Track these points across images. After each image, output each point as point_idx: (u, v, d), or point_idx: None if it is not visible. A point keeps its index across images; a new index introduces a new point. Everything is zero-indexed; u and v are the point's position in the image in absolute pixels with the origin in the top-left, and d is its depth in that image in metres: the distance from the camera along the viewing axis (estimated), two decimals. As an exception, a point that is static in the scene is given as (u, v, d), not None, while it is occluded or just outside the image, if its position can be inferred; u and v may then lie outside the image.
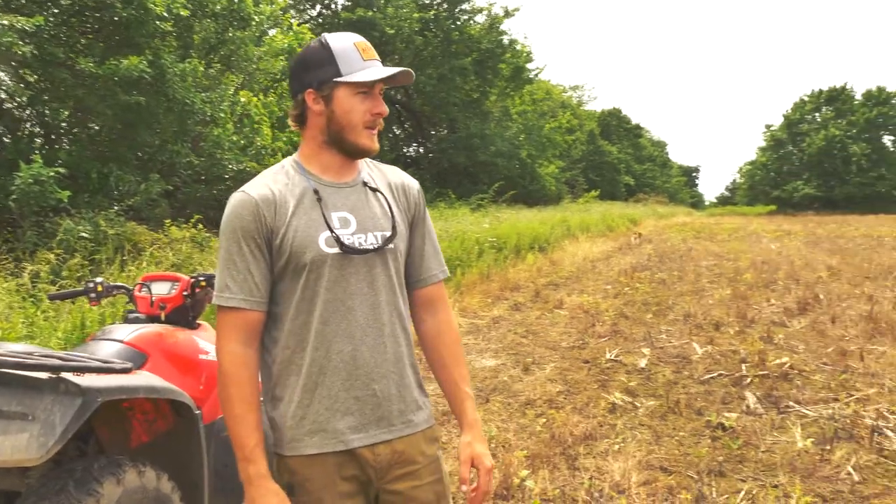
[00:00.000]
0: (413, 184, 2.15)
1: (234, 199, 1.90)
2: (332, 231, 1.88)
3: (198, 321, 3.37)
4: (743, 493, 4.21)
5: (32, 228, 8.41)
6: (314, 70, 1.90)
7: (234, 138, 12.36)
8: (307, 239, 1.87)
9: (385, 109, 1.94)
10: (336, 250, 1.88)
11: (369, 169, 2.09)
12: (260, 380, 1.95)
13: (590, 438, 5.12)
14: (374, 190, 2.02)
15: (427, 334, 2.14)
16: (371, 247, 1.93)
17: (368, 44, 1.94)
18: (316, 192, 1.92)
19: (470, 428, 2.05)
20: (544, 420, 5.53)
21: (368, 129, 1.92)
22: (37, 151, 9.40)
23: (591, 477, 4.44)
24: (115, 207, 9.61)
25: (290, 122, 2.02)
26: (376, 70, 1.89)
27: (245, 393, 1.83)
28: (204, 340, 3.18)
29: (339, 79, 1.87)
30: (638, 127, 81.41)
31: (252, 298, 1.86)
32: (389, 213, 2.00)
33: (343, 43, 1.90)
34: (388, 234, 1.97)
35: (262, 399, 1.94)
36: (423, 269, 2.13)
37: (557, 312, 10.21)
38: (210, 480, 2.85)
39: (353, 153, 1.96)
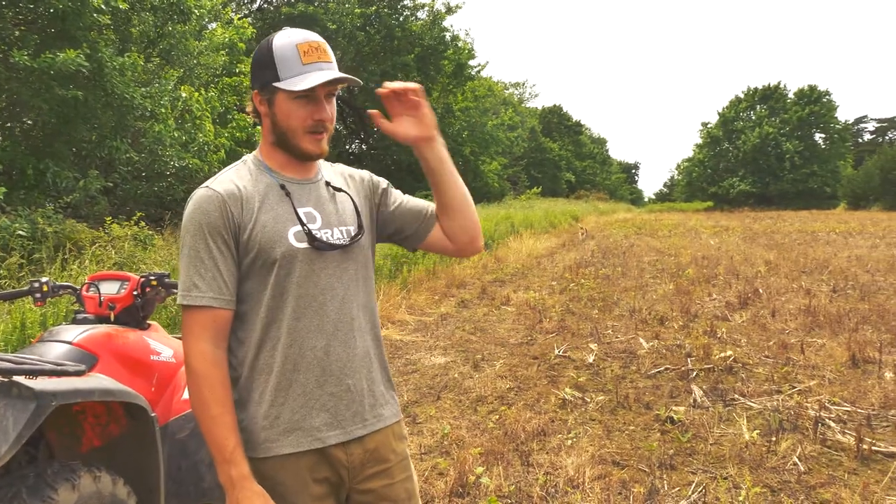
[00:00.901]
0: (365, 173, 2.14)
1: (198, 195, 1.85)
2: (303, 226, 1.85)
3: (148, 321, 3.28)
4: (694, 485, 4.28)
5: (-34, 227, 8.14)
6: (260, 70, 1.86)
7: (176, 134, 12.12)
8: (276, 234, 1.83)
9: (326, 115, 1.87)
10: (305, 245, 1.85)
11: (325, 167, 2.06)
12: None
13: (542, 434, 5.15)
14: (337, 188, 2.00)
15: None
16: (339, 242, 1.90)
17: (317, 44, 1.86)
18: (283, 186, 1.89)
19: None
20: (496, 417, 5.54)
21: (311, 133, 1.87)
22: (-32, 147, 9.11)
23: (545, 472, 4.46)
24: (53, 205, 9.35)
25: (251, 116, 1.98)
26: (313, 76, 1.81)
27: (219, 394, 1.79)
28: (155, 341, 3.10)
29: (276, 84, 1.82)
30: (578, 124, 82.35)
31: (221, 297, 1.82)
32: (355, 209, 1.98)
33: (285, 44, 1.83)
34: (354, 229, 1.95)
35: None
36: (422, 216, 2.09)
37: (504, 309, 10.25)
38: (165, 484, 2.78)
39: (298, 156, 1.92)
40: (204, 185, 1.87)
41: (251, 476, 1.78)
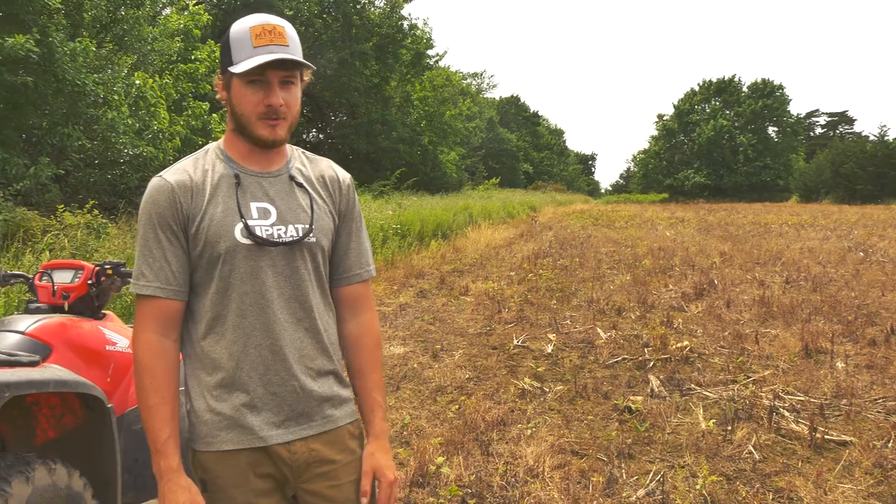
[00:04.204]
0: (345, 177, 2.06)
1: (152, 184, 1.81)
2: (243, 220, 1.81)
3: (103, 311, 3.21)
4: (652, 473, 4.32)
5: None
6: (222, 56, 1.84)
7: (130, 121, 11.90)
8: (222, 228, 1.79)
9: (277, 101, 1.79)
10: (249, 241, 1.81)
11: (301, 160, 2.00)
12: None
13: (502, 424, 5.16)
14: (300, 183, 1.93)
15: (347, 336, 2.04)
16: (291, 239, 1.85)
17: (272, 27, 1.80)
18: (237, 177, 1.84)
19: (376, 438, 1.98)
20: (456, 407, 5.54)
21: (263, 119, 1.81)
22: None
23: (505, 462, 4.47)
24: (2, 192, 9.12)
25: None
26: (256, 59, 1.75)
27: (158, 383, 1.76)
28: (110, 331, 3.04)
29: (230, 68, 1.78)
30: (536, 115, 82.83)
31: (169, 287, 1.78)
32: (310, 208, 1.92)
33: (240, 28, 1.79)
34: (307, 227, 1.89)
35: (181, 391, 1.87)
36: (345, 267, 2.03)
37: (463, 299, 10.26)
38: (122, 476, 2.73)
39: (254, 143, 1.86)
40: (159, 174, 1.84)
41: (181, 469, 1.77)
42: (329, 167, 2.05)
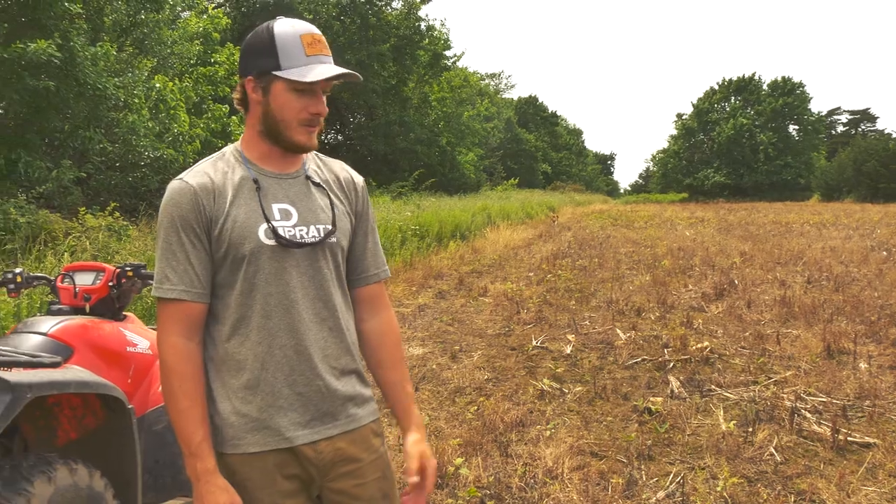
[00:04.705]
0: (359, 179, 2.09)
1: (172, 187, 1.81)
2: (268, 222, 1.82)
3: (124, 312, 3.24)
4: (672, 475, 4.30)
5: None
6: (257, 57, 1.81)
7: (150, 124, 12.00)
8: (246, 230, 1.80)
9: (323, 109, 1.85)
10: (274, 242, 1.82)
11: (316, 162, 2.02)
12: None
13: (521, 425, 5.15)
14: (317, 184, 1.95)
15: (369, 334, 2.08)
16: (313, 240, 1.87)
17: (318, 36, 1.84)
18: (256, 181, 1.85)
19: (417, 427, 2.01)
20: (475, 407, 5.54)
21: (304, 126, 1.84)
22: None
23: (524, 463, 4.47)
24: (25, 195, 9.22)
25: (235, 104, 1.94)
26: (318, 69, 1.79)
27: (188, 387, 1.77)
28: (131, 332, 3.07)
29: (277, 73, 1.78)
30: (554, 115, 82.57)
31: (193, 290, 1.79)
32: (330, 208, 1.94)
33: (288, 33, 1.80)
34: (329, 227, 1.91)
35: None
36: (364, 267, 2.07)
37: (482, 300, 10.25)
38: (142, 476, 2.75)
39: (287, 147, 1.88)
40: (179, 176, 1.84)
41: (216, 470, 1.77)
42: (342, 168, 2.08)
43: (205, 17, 17.69)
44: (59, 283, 3.15)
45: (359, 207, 2.05)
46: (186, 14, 18.42)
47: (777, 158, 65.70)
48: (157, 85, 12.68)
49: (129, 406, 2.63)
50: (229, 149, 1.93)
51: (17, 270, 3.16)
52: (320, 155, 2.07)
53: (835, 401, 5.52)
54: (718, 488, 4.07)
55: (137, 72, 12.31)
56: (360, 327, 2.07)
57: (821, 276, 11.76)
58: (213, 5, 21.45)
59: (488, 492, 4.08)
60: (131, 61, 12.83)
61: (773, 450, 4.61)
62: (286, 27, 1.81)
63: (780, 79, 69.49)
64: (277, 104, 1.81)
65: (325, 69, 1.79)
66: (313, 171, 1.98)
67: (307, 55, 1.79)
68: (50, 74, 9.96)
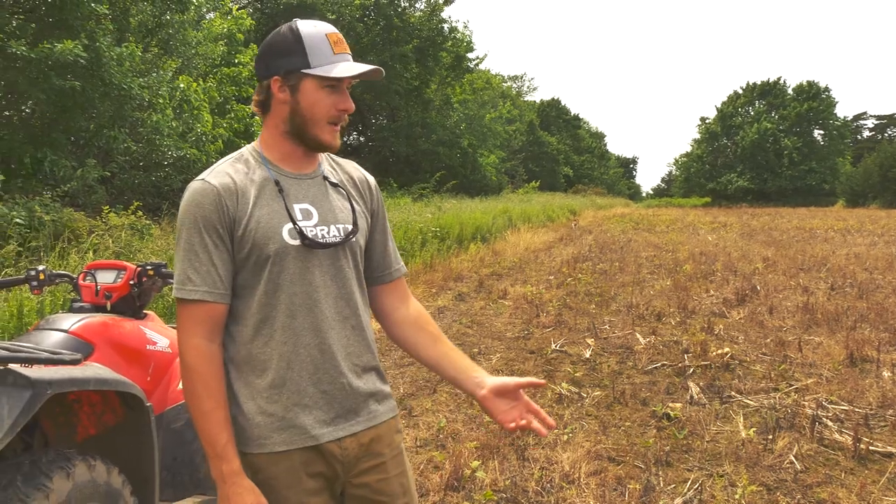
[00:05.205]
0: (371, 179, 2.13)
1: (194, 187, 1.82)
2: (294, 223, 1.83)
3: (144, 311, 3.27)
4: (690, 482, 4.27)
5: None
6: (282, 57, 1.83)
7: (174, 124, 12.10)
8: (270, 230, 1.81)
9: (351, 106, 1.88)
10: (298, 242, 1.82)
11: (329, 162, 2.04)
12: None
13: (538, 429, 5.13)
14: (335, 184, 1.97)
15: (405, 318, 2.10)
16: (334, 240, 1.88)
17: (340, 36, 1.87)
18: (277, 182, 1.86)
19: (488, 374, 2.04)
20: (493, 411, 5.52)
21: (332, 124, 1.86)
22: (-35, 135, 9.09)
23: (540, 468, 4.45)
24: (50, 193, 9.32)
25: (252, 107, 1.95)
26: (347, 66, 1.83)
27: (212, 389, 1.77)
28: (151, 331, 3.10)
29: (307, 70, 1.80)
30: (577, 118, 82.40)
31: (216, 291, 1.79)
32: (350, 208, 1.96)
33: (314, 33, 1.82)
34: (350, 227, 1.92)
35: None
36: (386, 264, 2.10)
37: (501, 303, 10.24)
38: (160, 474, 2.77)
39: (313, 147, 1.90)
40: (199, 177, 1.85)
41: (242, 471, 1.78)
42: (355, 168, 2.11)
43: (229, 18, 17.81)
44: (80, 281, 3.18)
45: (374, 206, 2.08)
46: (211, 15, 18.56)
47: (801, 163, 65.19)
48: (182, 85, 12.78)
49: (148, 404, 2.65)
50: (247, 149, 1.94)
51: (41, 268, 3.20)
52: (332, 155, 2.08)
53: (857, 409, 5.46)
54: (737, 496, 4.04)
55: (162, 72, 12.41)
56: (394, 317, 2.10)
57: (844, 282, 11.65)
58: (237, 6, 21.57)
59: (505, 495, 4.07)
60: (156, 62, 12.95)
61: (793, 458, 4.57)
62: (310, 27, 1.84)
63: (805, 83, 68.96)
64: (308, 102, 1.83)
65: (354, 66, 1.83)
66: (329, 171, 2.00)
67: (335, 53, 1.83)
68: (76, 74, 10.07)
